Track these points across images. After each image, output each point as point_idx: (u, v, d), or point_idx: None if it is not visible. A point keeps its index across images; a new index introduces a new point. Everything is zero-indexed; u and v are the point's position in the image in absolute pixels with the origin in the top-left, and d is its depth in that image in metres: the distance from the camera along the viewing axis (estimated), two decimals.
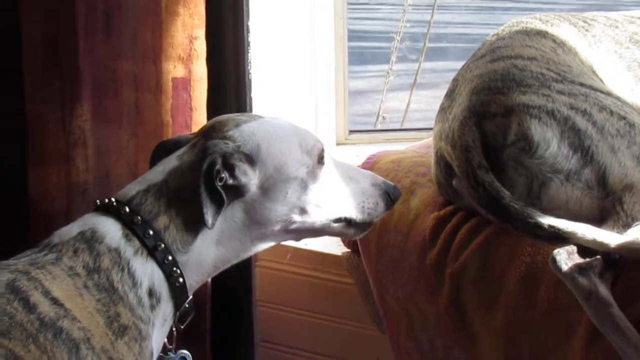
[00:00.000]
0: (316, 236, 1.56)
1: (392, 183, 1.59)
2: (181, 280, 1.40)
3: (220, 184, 1.37)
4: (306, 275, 2.31)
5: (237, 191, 1.42)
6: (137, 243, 1.38)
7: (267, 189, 1.44)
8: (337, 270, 2.23)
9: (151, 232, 1.38)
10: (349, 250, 2.20)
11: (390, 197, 1.57)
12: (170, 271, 1.39)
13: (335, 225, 1.53)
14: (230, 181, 1.40)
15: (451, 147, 1.71)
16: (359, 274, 2.11)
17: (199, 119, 2.20)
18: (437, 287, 1.79)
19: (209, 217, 1.35)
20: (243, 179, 1.41)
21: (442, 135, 1.76)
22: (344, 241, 2.20)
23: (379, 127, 3.57)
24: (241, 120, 1.47)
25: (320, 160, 1.50)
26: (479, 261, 1.73)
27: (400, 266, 1.88)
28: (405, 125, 3.64)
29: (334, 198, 1.51)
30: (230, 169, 1.40)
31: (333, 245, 2.25)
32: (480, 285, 1.72)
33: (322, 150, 1.52)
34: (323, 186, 1.50)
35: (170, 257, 1.39)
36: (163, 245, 1.38)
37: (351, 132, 2.85)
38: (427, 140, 2.21)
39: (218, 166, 1.37)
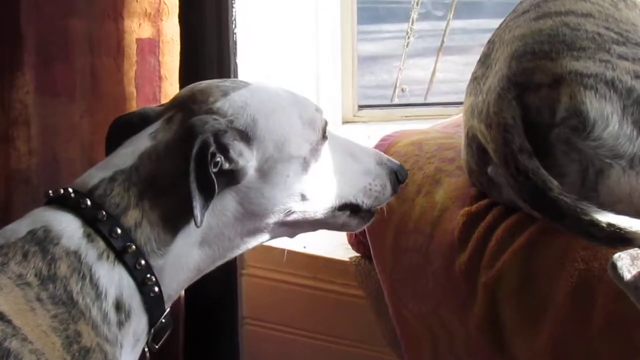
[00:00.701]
0: (314, 230, 1.58)
1: (397, 162, 1.63)
2: (156, 289, 1.40)
3: (215, 170, 1.38)
4: (305, 285, 2.31)
5: (230, 178, 1.43)
6: (101, 244, 1.37)
7: (266, 173, 1.46)
8: (343, 279, 2.24)
9: (119, 231, 1.38)
10: (358, 254, 2.20)
11: (397, 177, 1.61)
12: (143, 278, 1.39)
13: (339, 213, 1.56)
14: (227, 165, 1.41)
15: (486, 126, 1.72)
16: (370, 284, 2.13)
17: (170, 90, 2.20)
18: (469, 299, 1.80)
19: (198, 212, 1.35)
20: (241, 162, 1.42)
21: (475, 111, 1.77)
22: (352, 243, 2.20)
23: (396, 101, 3.55)
24: (228, 87, 1.48)
25: (324, 134, 1.53)
26: (521, 268, 1.74)
27: (423, 274, 1.89)
28: (430, 99, 3.62)
29: (337, 180, 1.54)
30: (224, 150, 1.41)
31: (338, 249, 2.26)
32: (521, 297, 1.73)
33: (326, 122, 1.54)
34: (325, 166, 1.52)
35: (142, 261, 1.39)
36: (134, 247, 1.38)
37: (361, 107, 2.84)
38: (456, 118, 2.20)
39: (212, 148, 1.38)
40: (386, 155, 1.63)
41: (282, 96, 1.51)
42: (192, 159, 1.35)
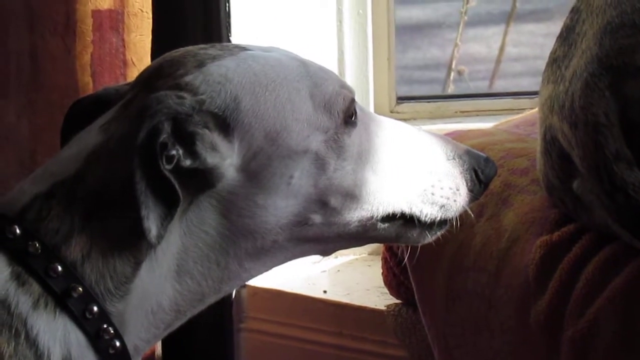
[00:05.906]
0: (355, 245, 1.56)
1: (482, 153, 1.59)
2: (117, 343, 1.37)
3: (168, 167, 1.33)
4: (326, 344, 2.31)
5: (201, 179, 1.38)
6: (35, 288, 1.34)
7: (256, 174, 1.42)
8: (379, 335, 2.24)
9: (59, 268, 1.33)
10: (397, 301, 2.19)
11: (478, 177, 1.57)
12: (96, 331, 1.35)
13: (385, 225, 1.52)
14: (188, 162, 1.35)
15: (570, 126, 1.72)
16: (415, 341, 2.14)
17: None
18: None
19: (151, 224, 1.31)
20: (210, 159, 1.37)
21: (555, 105, 1.76)
22: (389, 285, 2.17)
23: (450, 87, 3.57)
24: (207, 56, 1.44)
25: (349, 119, 1.47)
26: (621, 318, 1.71)
27: (486, 327, 1.88)
28: (497, 85, 3.67)
29: (380, 182, 1.51)
30: (188, 141, 1.36)
31: (371, 293, 2.27)
32: (624, 358, 1.71)
33: (352, 101, 1.48)
34: (356, 161, 1.48)
35: (94, 308, 1.35)
36: (80, 289, 1.34)
37: (401, 99, 2.84)
38: (530, 114, 2.22)
39: (163, 137, 1.32)
40: (463, 145, 1.57)
41: (286, 66, 1.46)
42: (135, 152, 1.31)
